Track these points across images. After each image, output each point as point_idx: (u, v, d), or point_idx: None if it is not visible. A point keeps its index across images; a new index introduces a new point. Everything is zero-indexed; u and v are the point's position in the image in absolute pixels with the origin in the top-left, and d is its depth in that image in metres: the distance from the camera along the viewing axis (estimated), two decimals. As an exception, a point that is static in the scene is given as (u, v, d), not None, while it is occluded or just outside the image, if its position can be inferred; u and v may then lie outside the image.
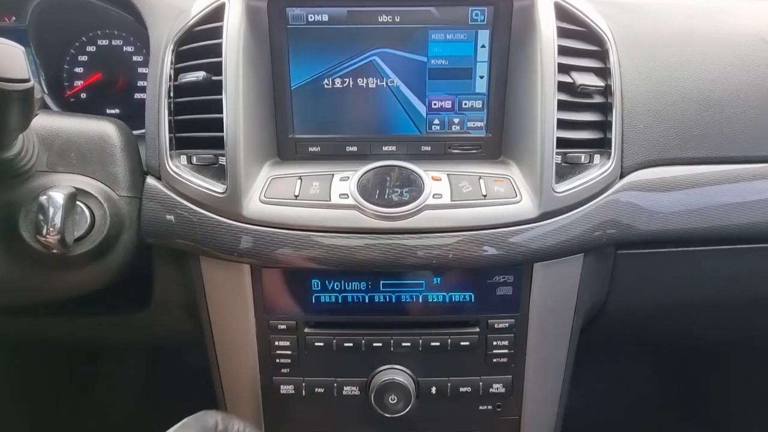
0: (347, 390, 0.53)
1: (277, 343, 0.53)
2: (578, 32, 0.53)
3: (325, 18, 0.52)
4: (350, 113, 0.55)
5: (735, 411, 0.91)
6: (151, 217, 0.52)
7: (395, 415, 0.52)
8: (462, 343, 0.52)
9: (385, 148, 0.55)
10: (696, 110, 0.55)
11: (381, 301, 0.52)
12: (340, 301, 0.52)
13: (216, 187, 0.50)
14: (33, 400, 0.91)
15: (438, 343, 0.52)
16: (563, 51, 0.51)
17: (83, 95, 0.73)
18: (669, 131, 0.54)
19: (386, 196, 0.49)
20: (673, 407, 0.98)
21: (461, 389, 0.53)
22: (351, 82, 0.54)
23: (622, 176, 0.53)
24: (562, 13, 0.52)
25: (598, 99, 0.53)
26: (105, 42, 0.72)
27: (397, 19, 0.52)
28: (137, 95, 0.72)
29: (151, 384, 1.08)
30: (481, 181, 0.51)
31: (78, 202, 0.48)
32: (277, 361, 0.53)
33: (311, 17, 0.52)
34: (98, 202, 0.50)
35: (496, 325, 0.52)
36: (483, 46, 0.53)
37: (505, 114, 0.54)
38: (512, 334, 0.52)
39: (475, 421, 0.55)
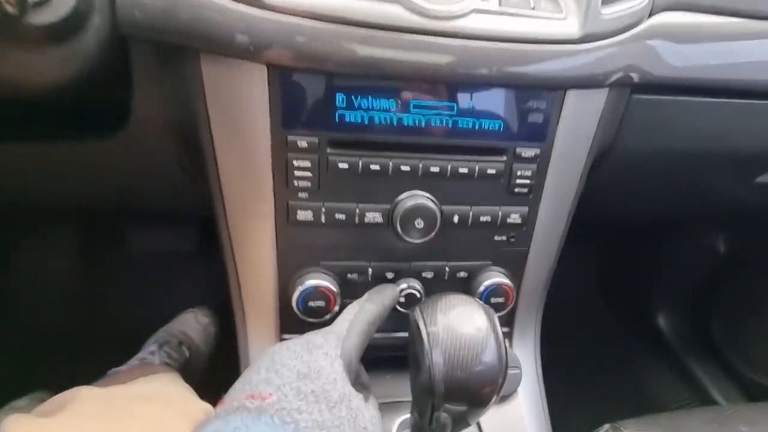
0: (369, 217, 0.51)
1: (295, 162, 0.47)
2: None
3: None
4: None
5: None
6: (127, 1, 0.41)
7: (416, 241, 0.51)
8: (489, 171, 0.51)
9: None
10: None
11: (410, 123, 0.49)
12: (366, 120, 0.47)
13: None
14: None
15: (466, 170, 0.51)
16: None
17: None
18: (699, -28, 0.54)
19: (432, -6, 0.43)
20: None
21: (481, 218, 0.53)
22: None
23: (651, 14, 0.53)
24: None
25: None
26: None
27: None
28: None
29: (89, 259, 0.97)
30: (530, -9, 0.47)
31: None
32: (295, 184, 0.48)
33: None
34: None
35: (523, 154, 0.52)
36: None
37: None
38: (536, 163, 0.52)
39: (489, 251, 0.56)
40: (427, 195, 0.51)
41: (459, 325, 0.40)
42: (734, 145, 0.62)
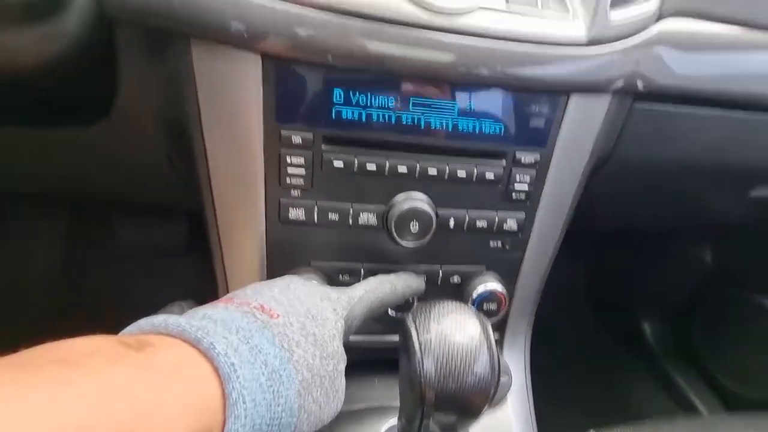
0: (363, 218, 0.49)
1: (288, 159, 0.45)
2: None
3: None
4: None
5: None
6: None
7: (411, 245, 0.50)
8: (487, 175, 0.50)
9: None
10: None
11: (408, 122, 0.47)
12: (364, 118, 0.46)
13: None
14: None
15: (464, 174, 0.49)
16: None
17: None
18: (705, -19, 0.53)
19: (437, -12, 0.41)
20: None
21: (478, 223, 0.52)
22: None
23: (658, 19, 0.52)
24: None
25: None
26: None
27: None
28: None
29: (77, 250, 0.94)
30: (538, -8, 0.45)
31: None
32: (287, 181, 0.46)
33: None
34: None
35: (522, 159, 0.50)
36: None
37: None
38: (535, 169, 0.51)
39: (483, 256, 0.55)
40: (423, 197, 0.50)
41: (452, 334, 0.39)
42: (734, 157, 0.62)
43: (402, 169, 0.48)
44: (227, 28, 0.39)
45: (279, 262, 0.50)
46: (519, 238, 0.55)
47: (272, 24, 0.40)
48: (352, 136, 0.46)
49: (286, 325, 0.34)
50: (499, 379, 0.40)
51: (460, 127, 0.48)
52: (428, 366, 0.38)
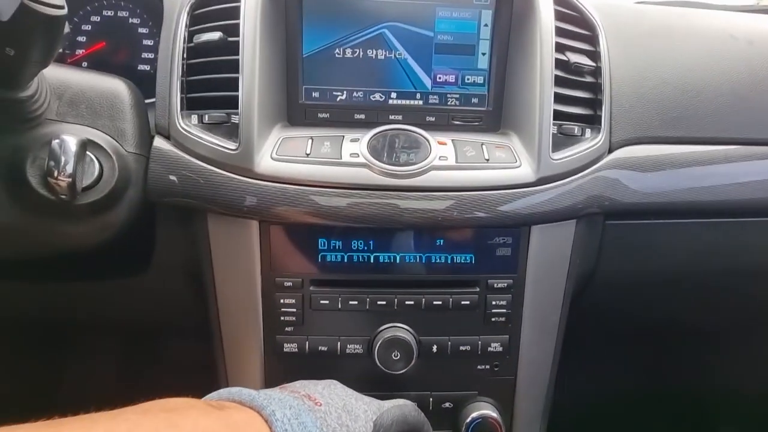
0: (351, 348, 0.54)
1: (282, 300, 0.53)
2: (572, 17, 0.58)
3: (339, -10, 0.55)
4: (359, 82, 0.57)
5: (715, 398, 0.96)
6: (157, 175, 0.52)
7: (397, 373, 0.53)
8: (463, 302, 0.54)
9: (391, 117, 0.57)
10: (674, 94, 0.60)
11: (385, 260, 0.54)
12: (345, 260, 0.53)
13: (228, 144, 0.51)
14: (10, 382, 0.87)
15: (440, 302, 0.54)
16: (559, 32, 0.55)
17: (84, 64, 0.73)
18: (651, 112, 0.59)
19: (395, 156, 0.51)
20: (657, 397, 1.02)
21: (461, 348, 0.55)
22: (361, 53, 0.57)
23: (610, 151, 0.58)
24: None
25: (589, 79, 0.57)
26: (110, 12, 0.72)
27: (407, -5, 0.56)
28: (141, 67, 0.72)
29: (129, 369, 1.05)
30: (484, 147, 0.54)
31: (87, 152, 0.48)
32: (282, 319, 0.53)
33: (325, -11, 0.55)
34: (107, 154, 0.50)
35: (495, 285, 0.54)
36: (486, 25, 0.57)
37: (505, 89, 0.58)
38: (510, 294, 0.55)
39: (474, 380, 0.56)
40: (406, 327, 0.54)
41: None
42: (723, 262, 0.62)
43: (382, 302, 0.53)
44: (234, 206, 0.51)
45: (277, 394, 0.55)
46: (507, 360, 0.56)
47: (265, 202, 0.50)
48: (335, 278, 0.53)
49: (327, 413, 0.40)
50: None
51: (432, 261, 0.54)
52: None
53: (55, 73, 0.49)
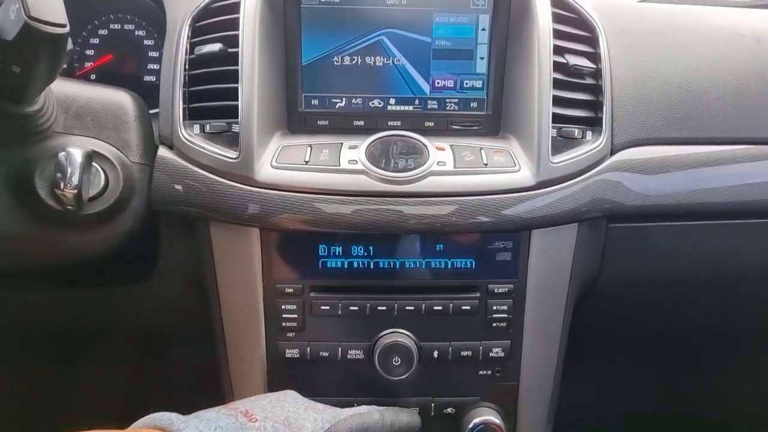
0: (351, 354, 0.54)
1: (283, 306, 0.54)
2: (571, 18, 0.57)
3: (337, -1, 0.56)
4: (358, 89, 0.58)
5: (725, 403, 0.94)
6: (161, 184, 0.53)
7: (398, 378, 0.53)
8: (463, 308, 0.54)
9: (390, 123, 0.57)
10: (678, 94, 0.59)
11: (385, 266, 0.54)
12: (345, 266, 0.54)
13: (228, 153, 0.52)
14: (18, 391, 0.90)
15: (440, 308, 0.54)
16: (557, 35, 0.55)
17: (93, 76, 0.75)
18: (654, 113, 0.58)
19: (393, 163, 0.51)
20: (665, 402, 1.00)
21: (462, 353, 0.54)
22: (359, 60, 0.57)
23: (612, 153, 0.57)
24: (556, 0, 0.56)
25: (589, 80, 0.57)
26: (117, 26, 0.74)
27: (404, 2, 0.56)
28: (147, 78, 0.74)
29: (140, 374, 1.07)
30: (482, 151, 0.54)
31: (93, 164, 0.50)
32: (283, 325, 0.54)
33: (323, -2, 0.56)
34: (112, 164, 0.51)
35: (496, 290, 0.54)
36: (483, 29, 0.57)
37: (504, 93, 0.58)
38: (511, 299, 0.54)
39: (475, 386, 0.56)
40: (406, 332, 0.54)
41: None
42: (730, 265, 0.60)
43: (382, 308, 0.53)
44: (235, 215, 0.51)
45: (279, 399, 0.55)
46: (510, 365, 0.56)
47: (265, 210, 0.51)
48: (336, 284, 0.54)
49: (261, 428, 0.40)
50: None
51: (432, 266, 0.54)
52: None
53: (61, 87, 0.51)
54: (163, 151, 0.54)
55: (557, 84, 0.54)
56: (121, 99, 0.54)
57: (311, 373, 0.55)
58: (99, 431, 0.36)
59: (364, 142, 0.53)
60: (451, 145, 0.54)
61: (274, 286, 0.53)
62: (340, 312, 0.53)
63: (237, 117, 0.52)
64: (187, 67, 0.55)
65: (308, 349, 0.54)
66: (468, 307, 0.54)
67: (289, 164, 0.52)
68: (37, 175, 0.48)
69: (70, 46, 0.43)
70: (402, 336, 0.53)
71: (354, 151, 0.52)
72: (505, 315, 0.54)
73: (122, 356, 1.14)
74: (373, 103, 0.58)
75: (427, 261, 0.54)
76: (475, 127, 0.58)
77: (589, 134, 0.56)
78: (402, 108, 0.58)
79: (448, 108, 0.58)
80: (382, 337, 0.54)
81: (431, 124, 0.58)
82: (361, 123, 0.57)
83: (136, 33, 0.75)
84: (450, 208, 0.50)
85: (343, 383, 0.55)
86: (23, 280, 0.59)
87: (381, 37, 0.57)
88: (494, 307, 0.54)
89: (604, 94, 0.56)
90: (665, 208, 0.57)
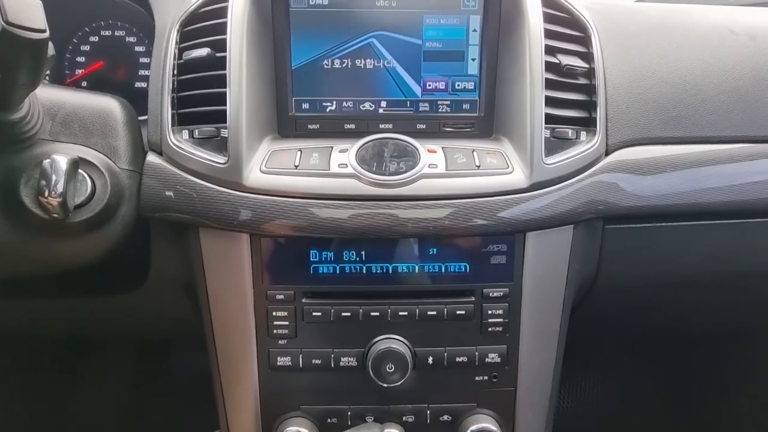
0: (344, 361, 0.53)
1: (274, 313, 0.53)
2: (563, 18, 0.57)
3: (326, 1, 0.55)
4: (348, 92, 0.57)
5: (725, 405, 0.92)
6: (151, 191, 0.52)
7: (392, 386, 0.52)
8: (458, 312, 0.53)
9: (381, 126, 0.57)
10: (673, 93, 0.58)
11: (378, 271, 0.53)
12: (337, 271, 0.53)
13: (217, 158, 0.51)
14: (15, 400, 0.89)
15: (434, 312, 0.53)
16: (549, 35, 0.54)
17: (84, 83, 0.74)
18: (649, 112, 0.57)
19: (384, 166, 0.51)
20: (665, 405, 0.98)
21: (457, 359, 0.53)
22: (349, 63, 0.56)
23: (607, 153, 0.56)
24: (547, 0, 0.55)
25: (582, 80, 0.56)
26: (108, 32, 0.74)
27: (394, 4, 0.55)
28: (138, 84, 0.74)
29: (139, 381, 1.06)
30: (475, 153, 0.53)
31: (80, 171, 0.49)
32: (275, 332, 0.53)
33: (312, 1, 0.55)
34: (99, 171, 0.50)
35: (491, 294, 0.53)
36: (474, 30, 0.56)
37: (496, 94, 0.57)
38: (506, 303, 0.53)
39: (472, 392, 0.55)
40: (400, 338, 0.53)
41: None
42: (735, 264, 0.59)
43: (375, 314, 0.53)
44: (224, 220, 0.51)
45: (271, 408, 0.54)
46: (506, 371, 0.55)
47: (254, 215, 0.50)
48: (328, 290, 0.53)
49: None
50: None
51: (426, 270, 0.53)
52: None
53: (48, 94, 0.50)
54: (152, 157, 0.53)
55: (550, 84, 0.53)
56: (109, 105, 0.53)
57: (304, 382, 0.54)
58: None
59: (355, 146, 0.52)
60: (442, 147, 0.53)
61: (265, 292, 0.52)
62: (332, 318, 0.52)
63: (225, 122, 0.51)
64: (175, 72, 0.54)
65: (300, 356, 0.53)
66: (463, 312, 0.53)
67: (278, 169, 0.51)
68: (23, 184, 0.47)
69: (51, 51, 0.42)
70: (396, 342, 0.52)
71: (344, 155, 0.51)
72: (501, 319, 0.53)
73: (117, 364, 1.13)
74: (364, 106, 0.57)
75: (420, 265, 0.53)
76: (468, 129, 0.58)
77: (583, 135, 0.55)
78: (393, 110, 0.57)
79: (440, 110, 0.58)
80: (375, 343, 0.53)
81: (423, 126, 0.57)
82: (352, 126, 0.57)
83: (127, 39, 0.74)
84: (445, 212, 0.50)
85: (336, 391, 0.54)
86: (12, 288, 0.58)
87: (371, 40, 0.56)
88: (489, 312, 0.53)
89: (598, 94, 0.55)
90: (661, 209, 0.56)
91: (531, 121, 0.52)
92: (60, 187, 0.45)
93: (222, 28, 0.53)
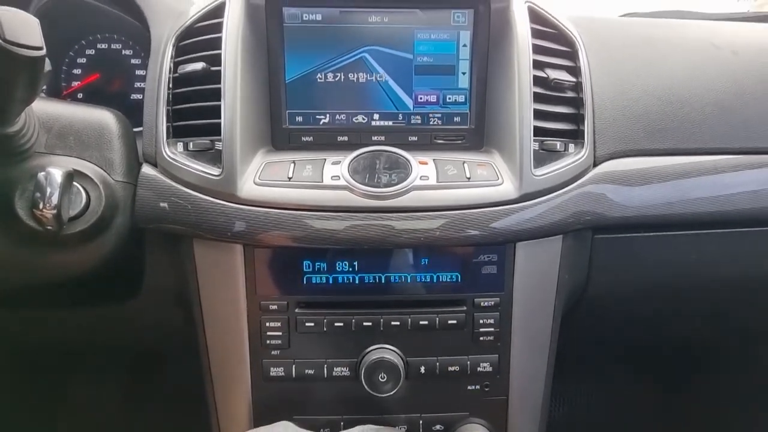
0: (337, 371, 0.53)
1: (267, 324, 0.53)
2: (550, 33, 0.58)
3: (319, 17, 0.56)
4: (341, 105, 0.58)
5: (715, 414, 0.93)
6: (145, 202, 0.53)
7: (385, 395, 0.52)
8: (450, 322, 0.53)
9: (374, 138, 0.58)
10: (659, 106, 0.60)
11: (370, 281, 0.54)
12: (330, 281, 0.53)
13: (211, 171, 0.52)
14: (4, 410, 0.88)
15: (426, 322, 0.53)
16: (537, 50, 0.56)
17: (80, 95, 0.75)
18: (636, 124, 0.59)
19: (376, 178, 0.51)
20: (656, 413, 0.99)
21: (449, 368, 0.54)
22: (343, 77, 0.58)
23: (595, 165, 0.57)
24: (535, 16, 0.57)
25: (570, 94, 0.57)
26: (104, 45, 0.74)
27: (386, 20, 0.57)
28: (134, 96, 0.74)
29: (131, 391, 1.05)
30: (465, 165, 0.54)
31: (74, 183, 0.49)
32: (268, 342, 0.53)
33: (306, 16, 0.56)
34: (94, 183, 0.51)
35: (482, 304, 0.54)
36: (464, 45, 0.58)
37: (487, 107, 0.58)
38: (497, 312, 0.54)
39: (464, 401, 0.55)
40: (392, 348, 0.53)
41: None
42: (729, 272, 0.60)
43: (368, 323, 0.53)
44: (218, 231, 0.51)
45: (264, 418, 0.54)
46: (498, 380, 0.55)
47: (248, 227, 0.51)
48: (321, 300, 0.53)
49: None
50: None
51: (418, 280, 0.54)
52: None
53: (43, 107, 0.51)
54: (146, 169, 0.54)
55: (538, 98, 0.54)
56: (104, 118, 0.54)
57: (297, 392, 0.54)
58: None
59: (347, 158, 0.53)
60: (434, 159, 0.54)
61: (258, 303, 0.53)
62: (325, 328, 0.53)
63: (220, 135, 0.52)
64: (170, 85, 0.55)
65: (293, 367, 0.53)
66: (454, 321, 0.54)
67: (272, 181, 0.52)
68: (17, 196, 0.48)
69: (48, 67, 0.43)
70: (388, 352, 0.53)
71: (337, 167, 0.52)
72: (492, 328, 0.54)
73: (112, 375, 1.13)
74: (357, 119, 0.58)
75: (412, 275, 0.54)
76: (459, 141, 0.59)
77: (571, 147, 0.56)
78: (386, 123, 0.58)
79: (431, 123, 0.59)
80: (368, 353, 0.53)
81: (415, 138, 0.58)
82: (345, 138, 0.58)
83: (123, 52, 0.75)
84: (437, 223, 0.50)
85: (329, 401, 0.54)
86: (5, 299, 0.58)
87: (363, 54, 0.57)
88: (481, 321, 0.54)
89: (585, 107, 0.57)
90: (649, 219, 0.57)
91: (520, 133, 0.53)
92: (54, 200, 0.46)
93: (217, 43, 0.54)
